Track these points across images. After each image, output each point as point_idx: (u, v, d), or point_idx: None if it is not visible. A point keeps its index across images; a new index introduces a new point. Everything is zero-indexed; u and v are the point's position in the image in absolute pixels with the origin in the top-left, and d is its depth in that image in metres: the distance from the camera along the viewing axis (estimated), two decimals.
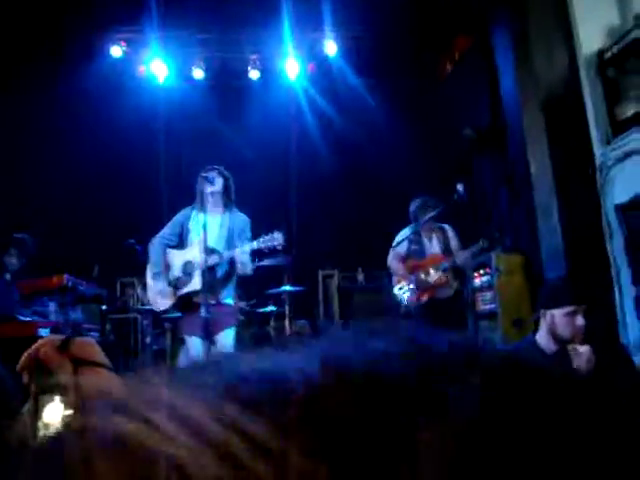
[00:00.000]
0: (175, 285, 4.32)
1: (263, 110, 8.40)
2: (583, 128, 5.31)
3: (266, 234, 4.10)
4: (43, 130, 7.79)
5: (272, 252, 4.24)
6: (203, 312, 3.96)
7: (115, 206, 7.89)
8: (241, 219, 4.44)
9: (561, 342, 2.45)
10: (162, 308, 4.45)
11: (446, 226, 5.50)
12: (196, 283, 4.18)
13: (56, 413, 0.91)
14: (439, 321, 5.31)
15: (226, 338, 4.22)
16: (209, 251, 4.15)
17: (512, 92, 6.17)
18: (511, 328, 5.48)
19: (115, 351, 6.19)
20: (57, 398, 0.93)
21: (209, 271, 4.14)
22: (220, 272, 4.30)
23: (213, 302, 4.15)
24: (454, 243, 5.47)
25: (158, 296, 4.37)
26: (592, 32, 5.34)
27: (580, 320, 2.42)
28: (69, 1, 7.01)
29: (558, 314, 2.47)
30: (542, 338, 2.53)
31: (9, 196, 7.25)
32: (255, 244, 4.11)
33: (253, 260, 4.47)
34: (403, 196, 5.76)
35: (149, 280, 4.45)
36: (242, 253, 4.14)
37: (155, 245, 4.42)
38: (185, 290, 4.27)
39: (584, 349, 2.36)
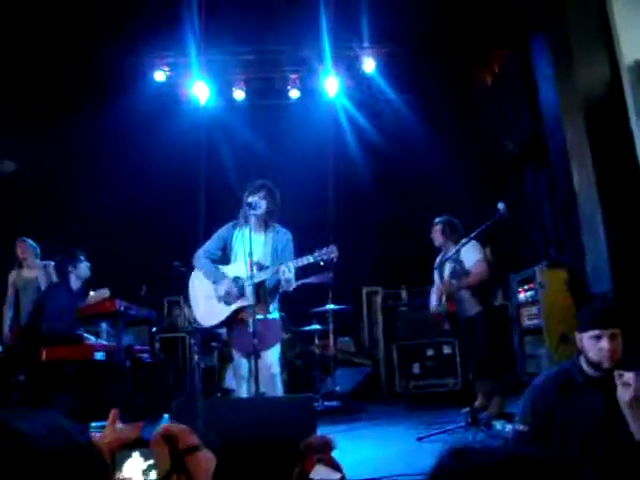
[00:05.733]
0: (225, 301, 4.39)
1: (304, 128, 8.49)
2: (627, 139, 5.21)
3: (321, 248, 4.20)
4: (92, 155, 8.07)
5: (327, 265, 4.29)
6: (251, 327, 4.05)
7: (160, 226, 8.10)
8: (284, 236, 4.52)
9: (594, 366, 2.46)
10: (212, 324, 4.51)
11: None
12: (247, 298, 4.24)
13: (136, 468, 1.02)
14: (467, 339, 5.27)
15: (272, 355, 4.30)
16: (259, 266, 4.26)
17: (553, 104, 6.10)
18: (559, 343, 5.39)
19: (165, 370, 6.35)
20: (136, 453, 1.03)
21: (259, 286, 4.25)
22: (268, 287, 4.39)
23: (261, 317, 4.25)
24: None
25: (207, 312, 4.45)
26: (634, 40, 5.24)
27: (604, 343, 2.42)
28: (111, 28, 7.25)
29: (585, 338, 2.49)
30: (583, 361, 2.54)
31: (60, 221, 7.53)
32: (312, 258, 4.20)
33: (297, 278, 4.56)
34: (445, 212, 5.75)
35: (196, 297, 4.52)
36: (289, 269, 4.21)
37: (201, 258, 4.50)
38: (236, 305, 4.33)
39: (628, 376, 2.34)
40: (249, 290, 4.20)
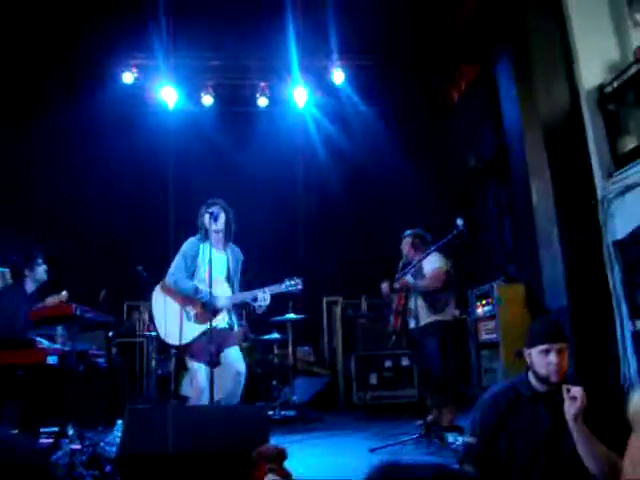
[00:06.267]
0: (196, 320, 4.37)
1: (271, 137, 8.51)
2: (585, 160, 5.37)
3: (290, 279, 4.45)
4: (53, 154, 7.93)
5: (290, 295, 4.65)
6: (208, 338, 4.06)
7: (122, 230, 8.01)
8: (238, 254, 4.63)
9: (542, 380, 2.52)
10: (180, 342, 4.36)
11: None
12: (224, 320, 4.40)
13: None
14: (419, 350, 5.30)
15: (237, 352, 4.32)
16: (235, 290, 4.46)
17: (515, 123, 6.25)
18: (514, 358, 5.48)
19: (121, 376, 6.25)
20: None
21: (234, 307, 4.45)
22: (238, 307, 4.59)
23: (221, 327, 4.32)
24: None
25: (175, 331, 4.34)
26: (593, 67, 5.42)
27: (552, 357, 2.48)
28: (82, 28, 7.17)
29: (534, 353, 2.55)
30: (532, 376, 2.60)
31: (19, 219, 7.38)
32: (283, 287, 4.45)
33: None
34: (407, 225, 5.80)
35: (161, 316, 4.45)
36: (264, 298, 4.38)
37: (183, 279, 4.43)
38: (208, 325, 4.19)
39: (576, 390, 2.40)
40: (224, 311, 4.38)
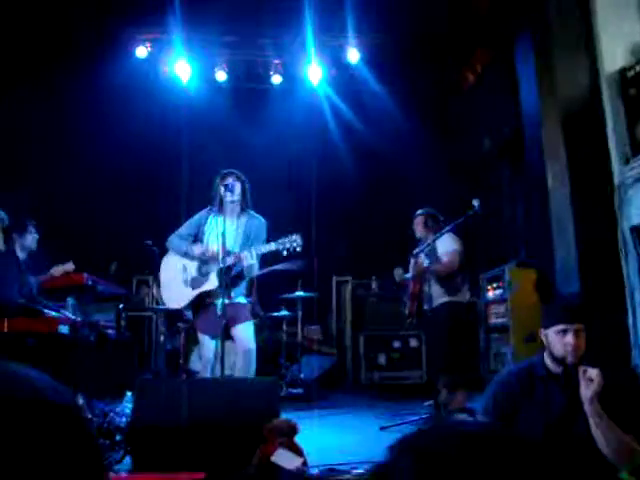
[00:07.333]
0: (191, 285, 4.43)
1: (284, 114, 8.45)
2: (602, 145, 5.28)
3: (285, 236, 4.20)
4: (66, 128, 7.90)
5: (290, 254, 4.27)
6: (218, 310, 4.07)
7: (134, 204, 8.00)
8: (257, 222, 4.54)
9: (558, 361, 2.50)
10: (176, 307, 4.56)
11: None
12: (212, 283, 4.32)
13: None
14: (432, 331, 5.31)
15: (246, 330, 4.32)
16: (226, 252, 4.27)
17: (532, 106, 6.15)
18: (522, 344, 5.47)
19: (130, 348, 6.28)
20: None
21: (223, 271, 4.26)
22: (233, 273, 4.41)
23: (227, 301, 4.25)
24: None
25: (173, 295, 4.51)
26: (615, 49, 5.31)
27: (570, 338, 2.45)
28: (96, 2, 7.11)
29: (551, 333, 2.52)
30: (547, 357, 2.57)
31: (31, 192, 7.37)
32: (274, 245, 4.21)
33: (267, 265, 4.60)
34: (420, 206, 5.77)
35: (166, 281, 4.56)
36: (251, 256, 4.23)
37: (174, 241, 4.56)
38: (201, 289, 4.39)
39: (592, 371, 2.38)
40: (214, 274, 4.30)
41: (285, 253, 4.23)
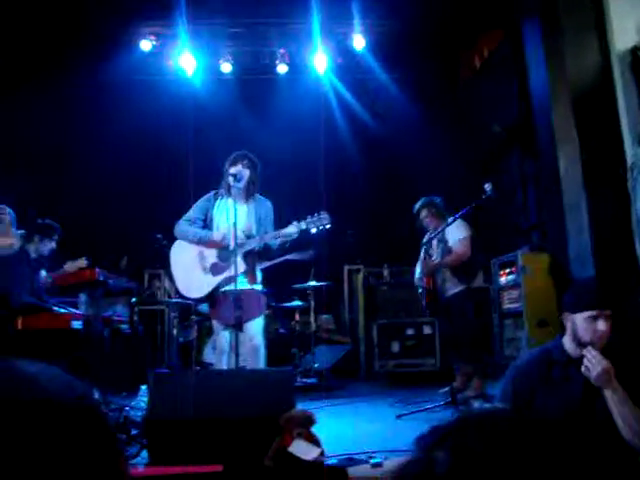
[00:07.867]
0: (211, 272, 4.32)
1: (290, 104, 8.41)
2: (614, 127, 5.21)
3: (312, 215, 4.12)
4: (73, 123, 7.91)
5: (319, 232, 4.17)
6: (233, 298, 4.02)
7: (141, 198, 8.00)
8: (265, 205, 4.47)
9: (582, 346, 2.43)
10: (197, 296, 4.41)
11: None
12: (239, 267, 4.13)
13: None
14: (447, 319, 5.30)
15: (254, 326, 4.27)
16: (247, 235, 4.23)
17: (542, 88, 6.07)
18: (536, 329, 5.43)
19: (143, 342, 6.30)
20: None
21: (248, 254, 4.21)
22: (253, 257, 4.33)
23: (247, 287, 4.21)
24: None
25: (191, 283, 4.36)
26: (626, 28, 5.22)
27: (601, 325, 2.39)
28: None
29: (579, 318, 2.43)
30: (567, 341, 2.51)
31: (40, 187, 7.39)
32: (304, 224, 4.12)
33: (279, 254, 4.56)
34: (430, 193, 5.73)
35: (178, 269, 4.45)
36: (274, 237, 4.18)
37: (184, 227, 4.42)
38: (224, 275, 4.26)
39: (593, 355, 2.34)
40: (239, 258, 4.13)
41: (314, 231, 4.13)
